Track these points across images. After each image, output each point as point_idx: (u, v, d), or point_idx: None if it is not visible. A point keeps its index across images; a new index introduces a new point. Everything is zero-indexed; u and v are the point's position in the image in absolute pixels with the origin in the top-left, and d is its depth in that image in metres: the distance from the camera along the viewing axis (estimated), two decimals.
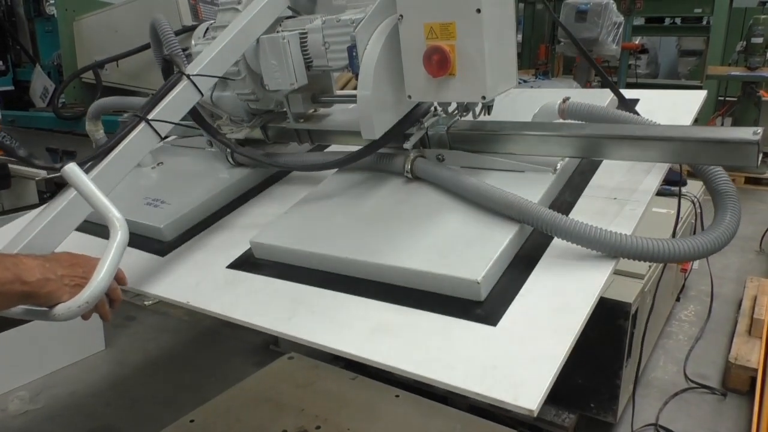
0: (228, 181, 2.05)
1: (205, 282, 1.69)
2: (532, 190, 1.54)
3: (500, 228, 1.46)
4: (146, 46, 2.84)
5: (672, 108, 1.84)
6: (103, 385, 3.14)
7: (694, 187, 3.61)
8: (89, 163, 1.52)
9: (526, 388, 1.13)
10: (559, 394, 2.70)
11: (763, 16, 6.57)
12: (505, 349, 1.25)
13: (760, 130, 1.35)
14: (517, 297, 1.35)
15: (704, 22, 8.78)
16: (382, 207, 1.69)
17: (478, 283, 1.32)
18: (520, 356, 1.22)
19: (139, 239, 1.85)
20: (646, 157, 1.56)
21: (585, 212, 1.55)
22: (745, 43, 6.54)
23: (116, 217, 1.34)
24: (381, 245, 1.52)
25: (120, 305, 1.41)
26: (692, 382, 3.05)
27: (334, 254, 1.55)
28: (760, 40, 6.39)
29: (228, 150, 2.07)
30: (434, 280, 1.39)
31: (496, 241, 1.41)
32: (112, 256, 1.30)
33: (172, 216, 1.89)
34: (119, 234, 1.32)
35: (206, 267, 1.75)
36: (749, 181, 6.51)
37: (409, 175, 1.74)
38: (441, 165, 1.74)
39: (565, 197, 1.63)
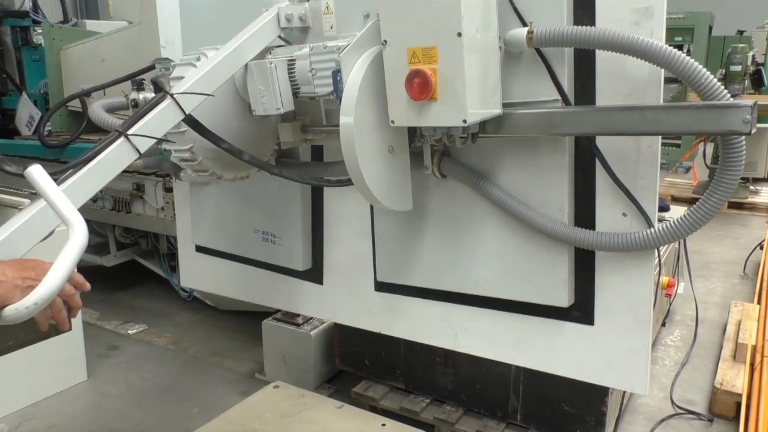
0: (297, 195, 2.39)
1: (375, 308, 2.22)
2: (558, 156, 1.72)
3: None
4: (133, 75, 2.84)
5: None
6: (84, 417, 3.08)
7: (677, 214, 3.64)
8: (66, 173, 1.51)
9: (637, 379, 1.71)
10: (546, 420, 2.68)
11: (741, 45, 6.72)
12: (610, 346, 1.75)
13: (749, 117, 1.35)
14: (596, 292, 1.75)
15: (685, 50, 8.96)
16: (444, 223, 1.99)
17: (566, 306, 1.77)
18: (622, 351, 1.73)
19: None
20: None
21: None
22: (724, 70, 6.66)
23: (76, 220, 1.26)
24: (476, 275, 1.91)
25: (78, 311, 1.36)
26: (679, 407, 3.04)
27: (448, 290, 1.98)
28: (738, 67, 6.51)
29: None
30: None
31: (562, 259, 1.76)
32: (67, 258, 1.20)
33: (298, 252, 2.40)
34: (77, 236, 1.23)
35: (360, 292, 2.26)
36: (732, 206, 6.58)
37: (438, 176, 1.89)
38: (464, 166, 1.85)
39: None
